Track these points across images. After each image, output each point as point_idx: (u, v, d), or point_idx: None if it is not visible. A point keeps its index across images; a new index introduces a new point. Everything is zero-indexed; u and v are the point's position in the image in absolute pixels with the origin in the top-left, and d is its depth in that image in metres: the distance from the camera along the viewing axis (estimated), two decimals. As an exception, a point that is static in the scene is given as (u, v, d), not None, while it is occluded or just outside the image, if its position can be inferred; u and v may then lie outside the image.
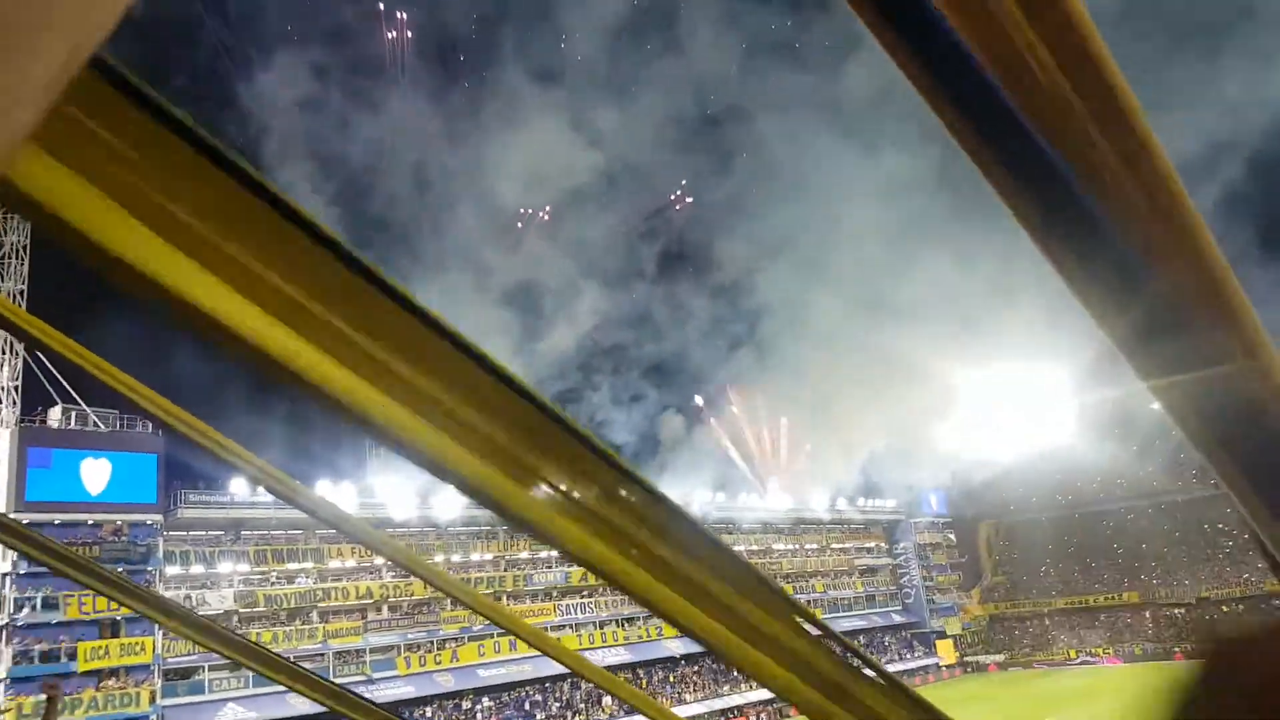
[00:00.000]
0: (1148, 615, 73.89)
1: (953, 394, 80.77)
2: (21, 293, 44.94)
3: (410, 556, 2.13)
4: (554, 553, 46.31)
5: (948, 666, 74.59)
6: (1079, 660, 71.79)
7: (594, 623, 57.88)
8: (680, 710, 54.13)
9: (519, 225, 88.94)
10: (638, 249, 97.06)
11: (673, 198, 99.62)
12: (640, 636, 59.32)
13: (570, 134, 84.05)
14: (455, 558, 55.43)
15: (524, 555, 58.04)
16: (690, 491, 69.56)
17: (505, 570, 56.01)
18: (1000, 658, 76.53)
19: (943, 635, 77.68)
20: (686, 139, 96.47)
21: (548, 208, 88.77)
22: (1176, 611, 72.29)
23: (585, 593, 59.26)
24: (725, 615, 1.16)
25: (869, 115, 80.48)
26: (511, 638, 41.45)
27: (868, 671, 1.28)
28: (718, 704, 56.19)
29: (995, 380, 78.16)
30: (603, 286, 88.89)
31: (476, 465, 0.96)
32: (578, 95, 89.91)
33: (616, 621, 59.51)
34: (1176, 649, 67.25)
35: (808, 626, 1.23)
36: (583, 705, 53.53)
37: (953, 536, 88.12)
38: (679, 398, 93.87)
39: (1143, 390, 0.79)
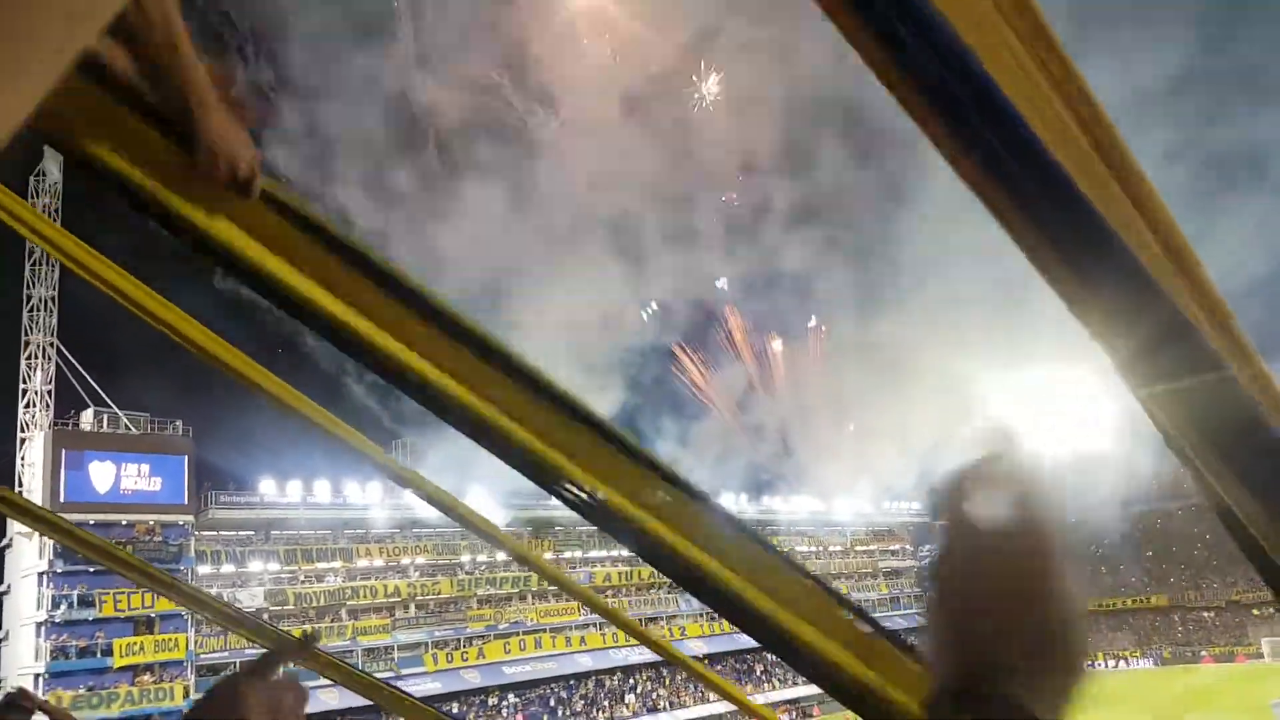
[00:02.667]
0: (1176, 618, 73.24)
1: (983, 396, 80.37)
2: (51, 344, 45.84)
3: (526, 551, 2.34)
4: (578, 553, 46.43)
5: (973, 668, 74.30)
6: (1109, 662, 71.27)
7: (618, 622, 58.19)
8: (704, 709, 54.42)
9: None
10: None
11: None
12: (663, 636, 59.59)
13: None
14: (481, 558, 55.94)
15: (548, 555, 58.46)
16: (716, 492, 69.86)
17: (530, 570, 56.38)
18: (1026, 660, 76.10)
19: (968, 637, 77.32)
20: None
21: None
22: (1206, 615, 71.59)
23: (609, 593, 59.62)
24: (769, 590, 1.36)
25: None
26: (536, 635, 41.95)
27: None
28: (741, 704, 56.19)
29: (1026, 383, 77.69)
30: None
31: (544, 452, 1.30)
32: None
33: (640, 621, 59.84)
34: (1205, 652, 66.70)
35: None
36: (607, 703, 53.89)
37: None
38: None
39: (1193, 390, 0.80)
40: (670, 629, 59.82)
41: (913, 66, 0.70)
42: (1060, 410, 76.42)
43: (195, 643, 42.40)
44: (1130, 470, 72.24)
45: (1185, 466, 0.84)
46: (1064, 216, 0.75)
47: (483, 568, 56.12)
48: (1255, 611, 65.94)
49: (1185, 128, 76.79)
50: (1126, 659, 70.48)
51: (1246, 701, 40.99)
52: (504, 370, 1.29)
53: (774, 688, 57.82)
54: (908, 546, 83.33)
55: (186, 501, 45.03)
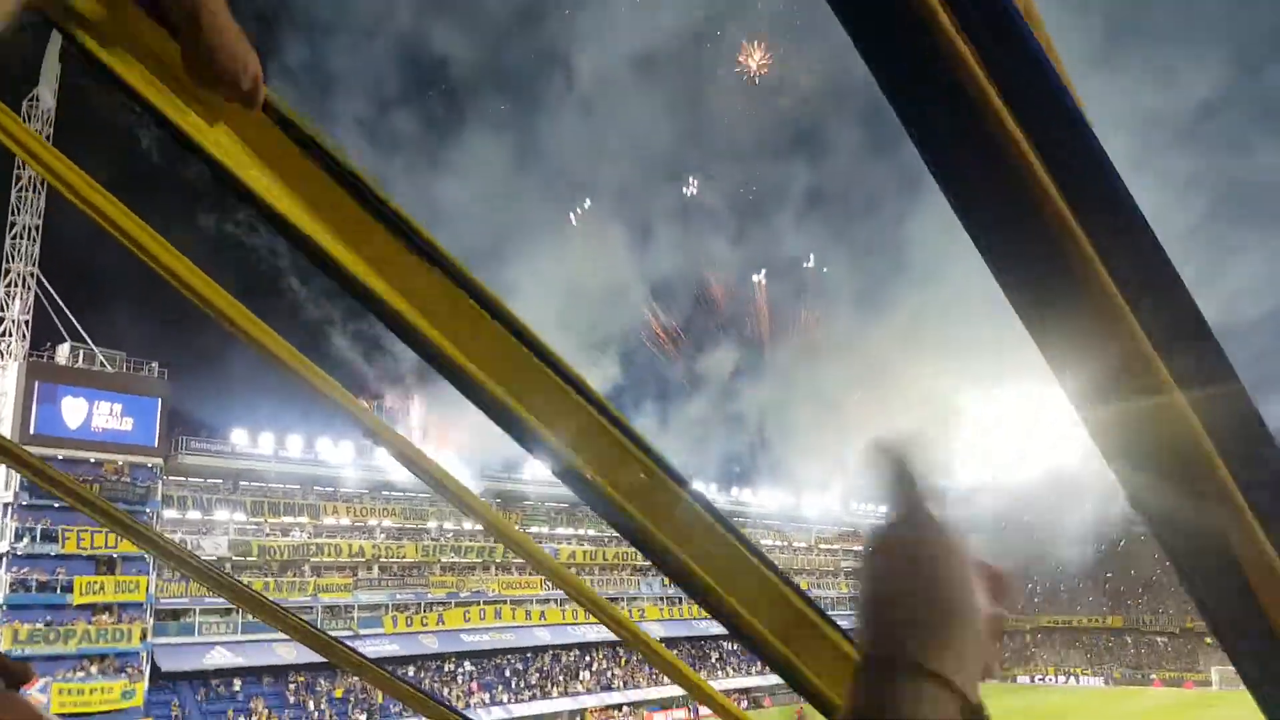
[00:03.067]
0: (1129, 640, 74.15)
1: (956, 409, 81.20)
2: (31, 273, 45.28)
3: (498, 518, 2.24)
4: (545, 529, 46.37)
5: (925, 673, 74.99)
6: (1060, 678, 72.11)
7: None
8: (658, 691, 54.82)
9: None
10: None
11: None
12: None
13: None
14: (448, 525, 55.99)
15: (515, 527, 58.43)
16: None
17: (497, 541, 56.29)
18: (979, 669, 76.81)
19: (923, 642, 78.01)
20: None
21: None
22: (1159, 640, 72.50)
23: (571, 568, 59.70)
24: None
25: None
26: (497, 606, 41.89)
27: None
28: (694, 690, 56.63)
29: (997, 398, 78.53)
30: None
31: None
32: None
33: (601, 600, 59.99)
34: (1155, 676, 67.62)
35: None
36: (562, 678, 54.17)
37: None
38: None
39: (1141, 411, 0.79)
40: (630, 610, 60.09)
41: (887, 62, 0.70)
42: (1035, 429, 77.35)
43: (156, 586, 42.29)
44: (1098, 491, 72.97)
45: (1128, 490, 0.85)
46: (1018, 228, 0.74)
47: (449, 535, 56.17)
48: (1208, 640, 66.27)
49: (1215, 154, 77.16)
50: (1077, 676, 71.37)
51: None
52: (495, 320, 1.24)
53: (728, 675, 58.32)
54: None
55: (157, 444, 44.77)
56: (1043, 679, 72.11)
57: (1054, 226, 0.71)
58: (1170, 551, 0.84)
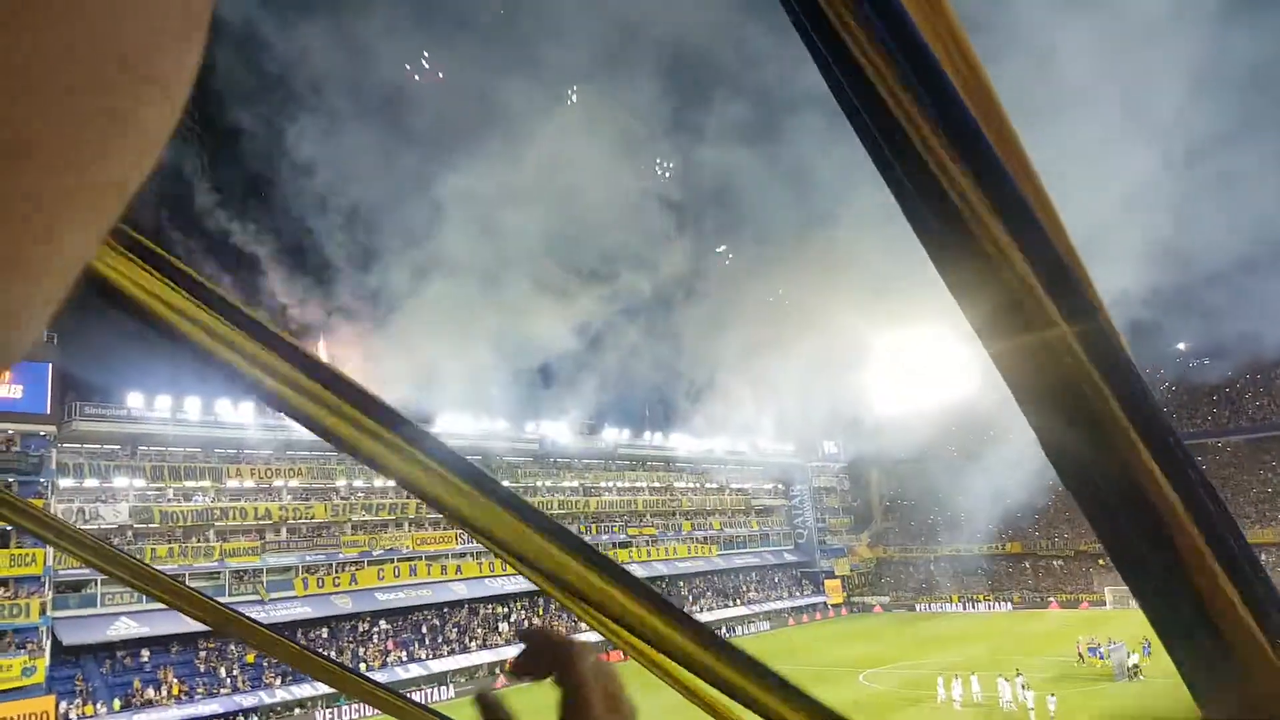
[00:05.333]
0: (1027, 565, 77.64)
1: (861, 348, 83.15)
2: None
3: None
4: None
5: (834, 605, 77.57)
6: (964, 605, 75.17)
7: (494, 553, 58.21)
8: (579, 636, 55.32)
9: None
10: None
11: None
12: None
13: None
14: (358, 483, 55.26)
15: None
16: (600, 425, 70.98)
17: (409, 498, 55.98)
18: (886, 599, 79.77)
19: (831, 575, 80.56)
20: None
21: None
22: (1055, 563, 76.06)
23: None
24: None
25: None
26: (411, 563, 41.41)
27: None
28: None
29: (903, 336, 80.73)
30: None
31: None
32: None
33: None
34: (1052, 598, 71.11)
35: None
36: (480, 631, 54.35)
37: (848, 482, 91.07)
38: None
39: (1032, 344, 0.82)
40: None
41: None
42: (935, 364, 79.80)
43: (54, 558, 40.81)
44: (991, 423, 75.72)
45: (1033, 420, 0.89)
46: (913, 168, 0.78)
47: (359, 494, 55.49)
48: (1100, 561, 69.34)
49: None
50: (977, 603, 74.57)
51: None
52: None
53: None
54: (780, 485, 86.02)
55: (49, 411, 42.98)
56: (946, 606, 75.10)
57: (953, 196, 0.76)
58: (1063, 474, 0.87)
